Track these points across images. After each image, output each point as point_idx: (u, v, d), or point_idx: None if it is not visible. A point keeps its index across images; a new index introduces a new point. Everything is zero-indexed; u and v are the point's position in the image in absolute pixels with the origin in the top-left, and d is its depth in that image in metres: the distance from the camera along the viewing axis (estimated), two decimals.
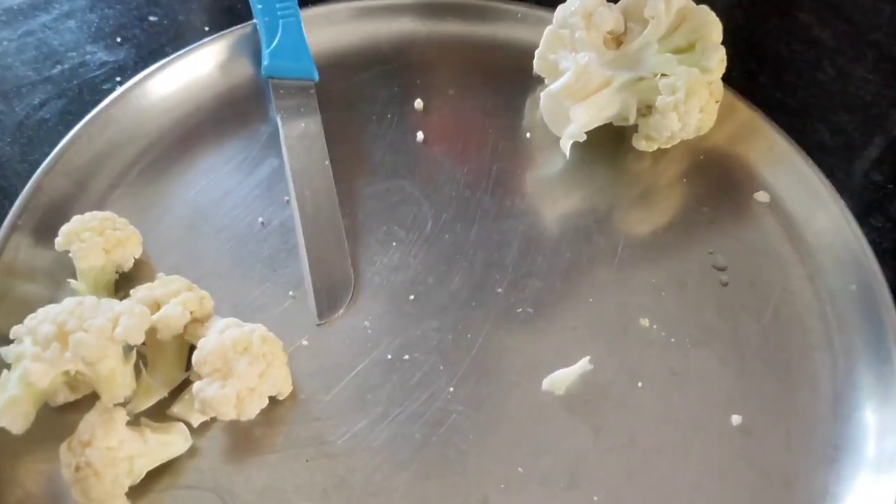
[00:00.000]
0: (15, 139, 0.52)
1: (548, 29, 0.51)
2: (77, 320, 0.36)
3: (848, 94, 0.57)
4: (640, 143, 0.50)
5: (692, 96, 0.46)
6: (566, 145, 0.48)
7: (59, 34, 0.59)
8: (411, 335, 0.43)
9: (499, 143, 0.51)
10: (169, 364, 0.40)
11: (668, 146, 0.50)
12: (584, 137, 0.48)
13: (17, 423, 0.35)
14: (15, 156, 0.52)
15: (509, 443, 0.40)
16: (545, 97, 0.49)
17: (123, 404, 0.37)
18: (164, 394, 0.39)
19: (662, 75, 0.47)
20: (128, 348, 0.38)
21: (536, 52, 0.52)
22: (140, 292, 0.40)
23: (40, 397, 0.36)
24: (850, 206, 0.47)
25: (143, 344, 0.38)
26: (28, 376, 0.35)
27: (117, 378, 0.37)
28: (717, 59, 0.47)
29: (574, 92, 0.47)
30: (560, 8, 0.50)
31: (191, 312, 0.39)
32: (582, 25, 0.47)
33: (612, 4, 0.49)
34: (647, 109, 0.49)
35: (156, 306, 0.39)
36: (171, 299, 0.39)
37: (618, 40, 0.49)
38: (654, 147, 0.50)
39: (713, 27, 0.47)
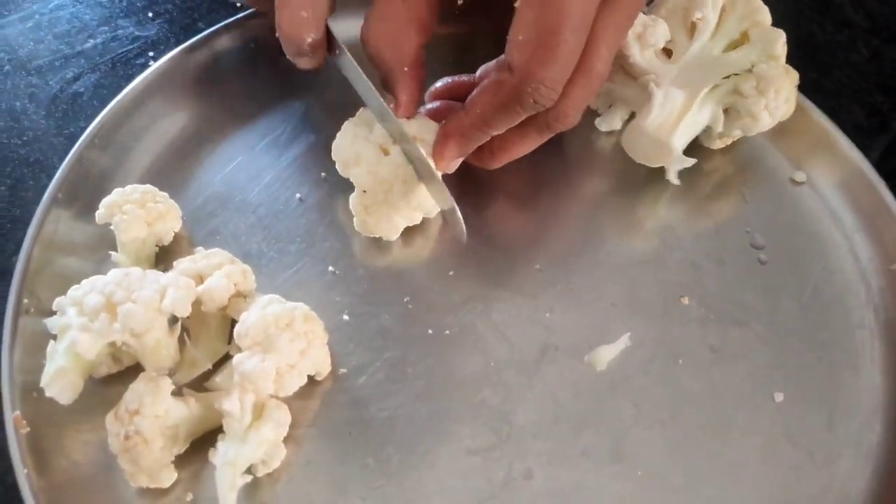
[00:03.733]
0: (50, 113, 0.53)
1: None
2: (125, 291, 0.36)
3: (883, 75, 0.57)
4: (715, 143, 0.49)
5: (780, 92, 0.45)
6: (673, 174, 0.47)
7: (91, 8, 0.58)
8: (452, 310, 0.43)
9: None
10: (213, 336, 0.40)
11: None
12: (695, 161, 0.46)
13: (66, 394, 0.35)
14: (50, 129, 0.52)
15: (552, 417, 0.40)
16: (631, 132, 0.47)
17: (168, 376, 0.37)
18: (207, 366, 0.39)
19: (735, 75, 0.45)
20: (172, 320, 0.38)
21: None
22: (183, 264, 0.40)
23: (87, 368, 0.36)
24: (887, 186, 0.47)
25: (187, 317, 0.38)
26: (75, 346, 0.35)
27: (162, 350, 0.37)
28: (780, 44, 0.45)
29: (663, 122, 0.45)
30: None
31: (234, 285, 0.39)
32: (636, 48, 0.45)
33: (656, 18, 0.46)
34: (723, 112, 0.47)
35: (199, 279, 0.39)
36: (213, 272, 0.39)
37: (665, 52, 0.47)
38: (728, 143, 0.49)
39: (762, 12, 0.46)
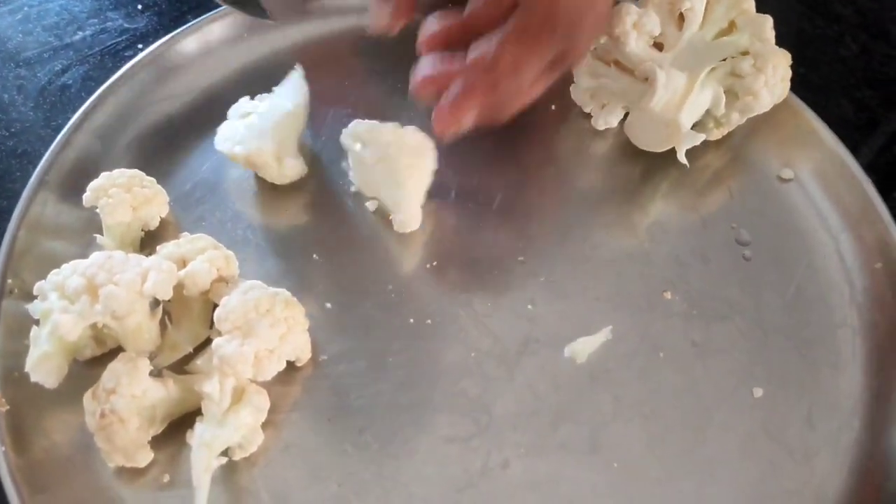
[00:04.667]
0: (38, 105, 0.53)
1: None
2: (107, 274, 0.36)
3: (871, 70, 0.57)
4: (712, 133, 0.48)
5: (777, 69, 0.45)
6: (683, 153, 0.46)
7: (80, 0, 0.59)
8: (434, 300, 0.43)
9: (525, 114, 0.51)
10: (194, 321, 0.40)
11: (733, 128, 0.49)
12: (703, 138, 0.47)
13: (51, 378, 0.36)
14: (38, 121, 0.52)
15: (530, 408, 0.40)
16: (635, 118, 0.47)
17: (149, 358, 0.38)
18: (188, 349, 0.39)
19: (731, 58, 0.46)
20: (154, 304, 0.38)
21: (572, 87, 0.50)
22: (166, 249, 0.40)
23: (71, 351, 0.37)
24: (873, 183, 0.47)
25: (169, 300, 0.38)
26: (58, 329, 0.35)
27: (143, 333, 0.38)
28: (769, 27, 0.46)
29: (668, 101, 0.45)
30: None
31: (217, 270, 0.39)
32: (632, 37, 0.46)
33: (648, 10, 0.46)
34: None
35: (182, 263, 0.39)
36: (197, 256, 0.39)
37: (656, 46, 0.47)
38: (725, 132, 0.49)
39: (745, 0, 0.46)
